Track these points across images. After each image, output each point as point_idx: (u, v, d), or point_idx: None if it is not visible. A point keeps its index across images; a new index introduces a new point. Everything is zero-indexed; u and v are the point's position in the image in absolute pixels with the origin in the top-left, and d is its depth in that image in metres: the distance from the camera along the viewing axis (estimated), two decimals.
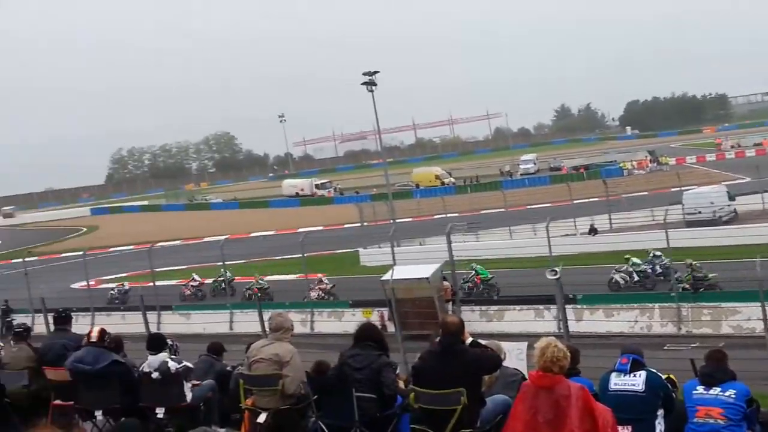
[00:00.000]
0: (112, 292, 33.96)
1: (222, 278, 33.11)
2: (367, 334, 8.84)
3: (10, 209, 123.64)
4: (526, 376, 8.06)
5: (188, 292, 33.75)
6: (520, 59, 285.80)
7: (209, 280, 34.17)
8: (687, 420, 7.12)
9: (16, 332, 11.65)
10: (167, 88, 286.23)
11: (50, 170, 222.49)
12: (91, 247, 42.10)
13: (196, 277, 34.81)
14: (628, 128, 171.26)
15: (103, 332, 10.29)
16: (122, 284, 35.75)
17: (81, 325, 17.02)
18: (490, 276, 27.54)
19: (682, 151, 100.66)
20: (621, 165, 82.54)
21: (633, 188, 56.47)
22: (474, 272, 27.60)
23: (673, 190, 48.94)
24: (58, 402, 10.18)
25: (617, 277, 27.05)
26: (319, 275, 30.57)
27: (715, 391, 7.04)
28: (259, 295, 30.18)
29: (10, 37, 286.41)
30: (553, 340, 6.74)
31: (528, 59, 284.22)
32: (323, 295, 28.79)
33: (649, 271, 26.88)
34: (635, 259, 27.22)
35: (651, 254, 27.49)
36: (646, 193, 55.19)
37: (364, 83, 53.46)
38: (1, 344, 11.88)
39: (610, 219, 41.54)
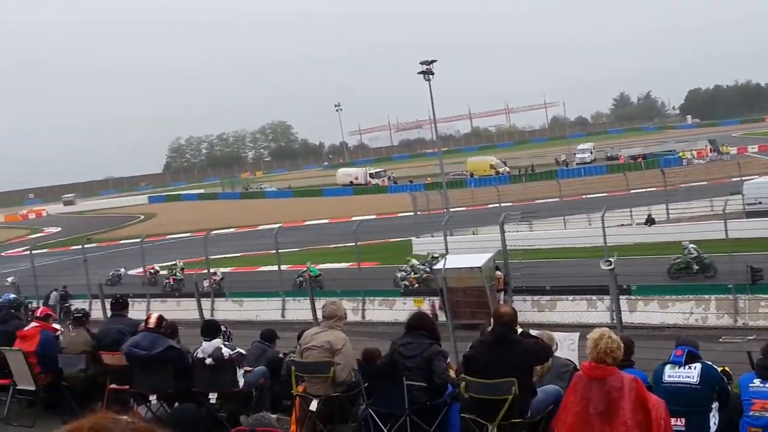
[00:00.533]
0: (108, 276, 35.05)
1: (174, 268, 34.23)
2: (419, 323, 8.86)
3: (70, 197, 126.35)
4: (578, 367, 8.00)
5: (146, 278, 35.01)
6: (578, 47, 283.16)
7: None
8: (742, 413, 7.00)
9: (75, 317, 11.94)
10: (226, 77, 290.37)
11: (110, 159, 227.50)
12: (149, 234, 42.74)
13: (156, 266, 36.38)
14: (689, 117, 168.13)
15: (161, 319, 10.48)
16: (117, 270, 37.19)
17: (137, 311, 17.37)
18: (318, 273, 29.25)
19: (744, 140, 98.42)
20: (680, 154, 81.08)
21: (692, 178, 55.36)
22: (306, 269, 29.30)
23: (733, 180, 47.86)
24: (113, 386, 10.40)
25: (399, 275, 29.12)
26: (216, 269, 31.38)
27: None
28: (174, 285, 32.00)
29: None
30: (607, 331, 6.67)
31: (587, 47, 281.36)
32: (216, 285, 29.56)
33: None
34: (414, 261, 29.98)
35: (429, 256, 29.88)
36: (705, 183, 54.06)
37: (421, 72, 53.36)
38: (60, 329, 12.15)
39: (667, 209, 40.80)
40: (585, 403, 6.51)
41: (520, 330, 7.84)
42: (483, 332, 8.73)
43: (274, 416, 9.02)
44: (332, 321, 9.35)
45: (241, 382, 9.73)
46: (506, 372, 7.45)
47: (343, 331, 9.40)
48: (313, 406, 9.10)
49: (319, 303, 18.68)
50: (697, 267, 25.88)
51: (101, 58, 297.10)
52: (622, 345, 6.66)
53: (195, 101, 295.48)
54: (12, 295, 17.15)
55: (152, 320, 10.43)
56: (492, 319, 8.10)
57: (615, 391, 6.41)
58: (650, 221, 38.71)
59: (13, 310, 13.09)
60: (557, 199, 49.93)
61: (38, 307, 15.18)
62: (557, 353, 8.82)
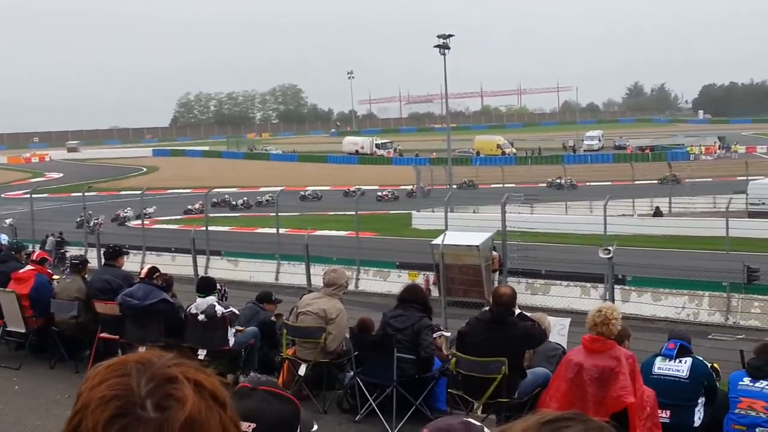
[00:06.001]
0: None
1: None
2: (411, 296, 8.85)
3: (74, 144, 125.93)
4: (566, 351, 8.02)
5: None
6: (595, 33, 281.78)
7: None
8: (728, 410, 7.00)
9: (73, 264, 11.91)
10: (238, 37, 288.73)
11: (117, 109, 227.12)
12: (150, 187, 42.68)
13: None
14: (701, 112, 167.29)
15: (152, 270, 10.49)
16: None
17: (132, 262, 17.34)
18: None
19: (754, 139, 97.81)
20: (688, 149, 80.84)
21: (698, 173, 55.31)
22: None
23: (738, 178, 47.79)
24: (104, 335, 10.40)
25: None
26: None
27: (762, 384, 6.90)
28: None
29: None
30: (611, 304, 6.81)
31: (604, 32, 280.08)
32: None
33: None
34: None
35: None
36: (710, 179, 53.96)
37: (438, 46, 53.03)
38: (55, 276, 12.13)
39: (670, 203, 40.83)
40: (578, 371, 6.58)
41: (518, 311, 7.85)
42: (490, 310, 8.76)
43: (264, 377, 9.03)
44: (332, 289, 9.32)
45: (232, 341, 9.72)
46: (499, 352, 7.47)
47: (341, 300, 9.38)
48: (302, 370, 9.11)
49: (315, 269, 18.77)
50: None
51: (115, 7, 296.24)
52: (620, 318, 6.74)
53: (207, 58, 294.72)
54: (3, 237, 17.09)
55: (143, 271, 10.47)
56: (490, 299, 8.10)
57: (613, 360, 6.50)
58: (657, 213, 38.77)
59: (13, 252, 13.02)
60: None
61: (34, 251, 15.15)
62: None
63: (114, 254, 11.65)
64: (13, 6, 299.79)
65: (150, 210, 44.70)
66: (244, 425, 2.25)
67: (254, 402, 2.31)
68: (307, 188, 55.30)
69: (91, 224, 33.61)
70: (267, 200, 49.58)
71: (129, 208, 40.56)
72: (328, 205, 46.26)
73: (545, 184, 52.38)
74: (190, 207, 46.50)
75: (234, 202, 51.25)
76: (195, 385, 1.15)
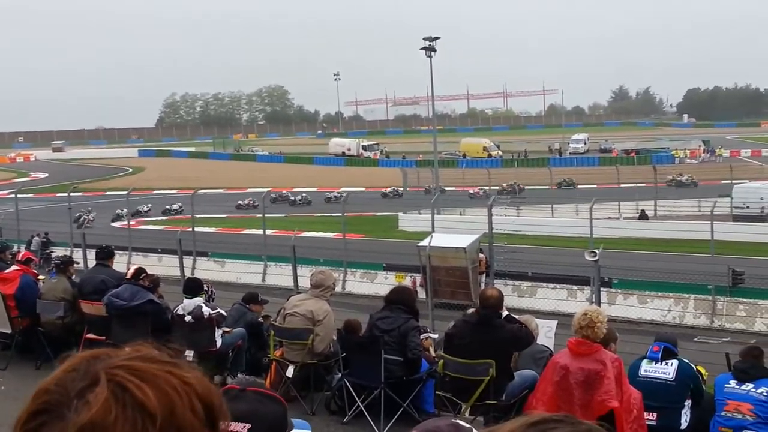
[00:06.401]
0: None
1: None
2: (398, 298, 8.86)
3: (60, 144, 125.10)
4: (553, 353, 8.05)
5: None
6: (581, 36, 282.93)
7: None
8: (714, 413, 7.04)
9: (57, 264, 11.86)
10: (226, 38, 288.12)
11: (103, 108, 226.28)
12: (135, 187, 42.51)
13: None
14: (685, 116, 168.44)
15: (138, 271, 10.46)
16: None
17: (118, 263, 17.23)
18: None
19: (738, 143, 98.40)
20: (673, 152, 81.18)
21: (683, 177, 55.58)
22: None
23: (723, 182, 48.05)
24: (91, 335, 10.36)
25: None
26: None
27: (748, 387, 6.93)
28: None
29: None
30: (596, 307, 6.83)
31: (590, 36, 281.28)
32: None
33: None
34: None
35: None
36: (695, 183, 54.28)
37: (424, 48, 53.01)
38: (41, 276, 12.07)
39: (655, 206, 40.99)
40: (564, 374, 6.60)
41: (505, 313, 7.86)
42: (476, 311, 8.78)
43: (252, 378, 9.01)
44: (319, 290, 9.31)
45: (219, 342, 9.71)
46: (486, 354, 7.48)
47: (329, 302, 9.37)
48: (290, 372, 9.10)
49: (302, 270, 18.75)
50: None
51: (115, 7, 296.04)
52: (605, 321, 6.76)
53: (193, 59, 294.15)
54: None
55: (130, 272, 10.44)
56: (478, 300, 8.13)
57: (598, 364, 6.51)
58: (643, 216, 38.92)
59: None
60: (548, 187, 50.06)
61: (19, 251, 15.06)
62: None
63: (107, 254, 11.64)
64: (13, 6, 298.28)
65: (175, 206, 45.03)
66: (239, 426, 2.26)
67: (247, 403, 2.31)
68: (389, 188, 54.38)
69: (80, 220, 33.72)
70: (335, 197, 49.11)
71: (150, 204, 40.67)
72: (315, 206, 46.00)
73: (664, 183, 50.61)
74: (240, 202, 47.36)
75: (293, 198, 51.00)
76: (120, 389, 1.04)
